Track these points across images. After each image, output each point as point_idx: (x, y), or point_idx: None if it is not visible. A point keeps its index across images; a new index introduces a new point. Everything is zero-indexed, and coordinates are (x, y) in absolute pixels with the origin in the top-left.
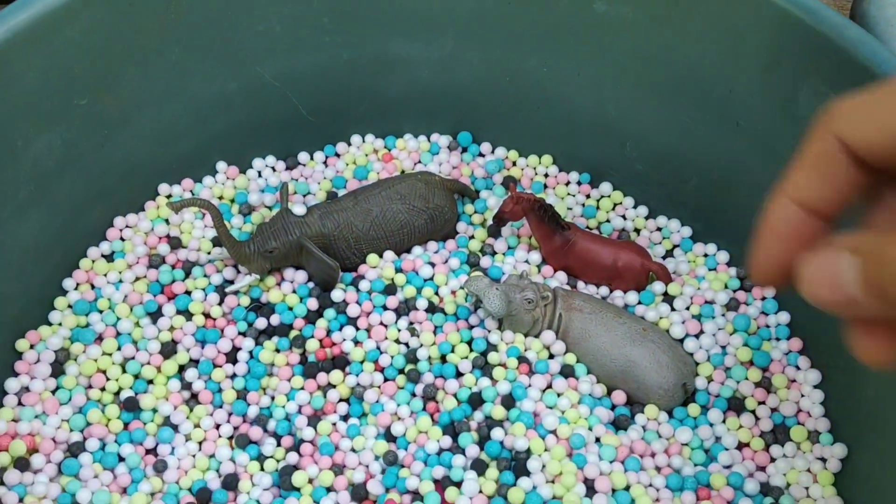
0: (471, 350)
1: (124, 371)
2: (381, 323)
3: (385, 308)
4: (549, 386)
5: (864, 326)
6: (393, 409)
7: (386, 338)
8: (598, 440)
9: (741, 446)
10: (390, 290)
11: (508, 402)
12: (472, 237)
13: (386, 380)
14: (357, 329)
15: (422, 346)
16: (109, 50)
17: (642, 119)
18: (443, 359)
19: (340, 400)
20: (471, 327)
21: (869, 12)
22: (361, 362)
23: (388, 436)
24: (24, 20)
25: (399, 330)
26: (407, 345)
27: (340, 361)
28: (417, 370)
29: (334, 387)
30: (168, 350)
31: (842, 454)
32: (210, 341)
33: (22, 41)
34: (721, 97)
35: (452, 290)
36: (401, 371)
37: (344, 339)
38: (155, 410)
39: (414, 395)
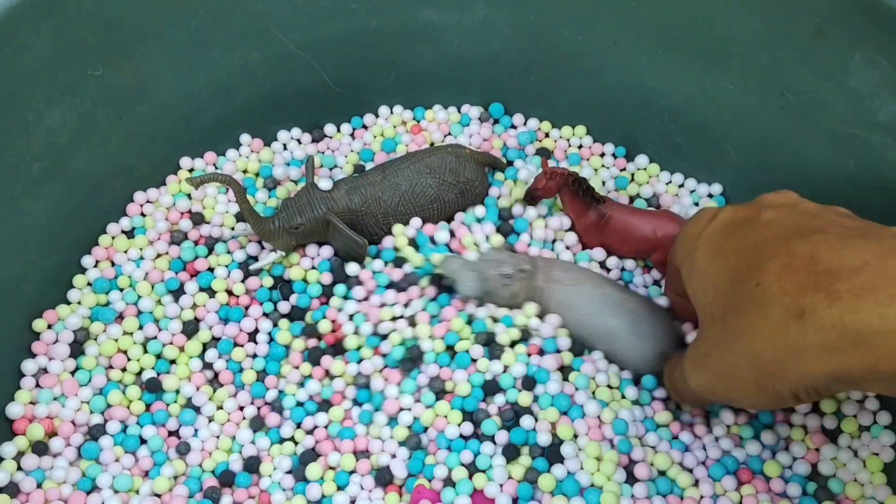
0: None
1: (146, 351)
2: (384, 304)
3: (389, 286)
4: (566, 367)
5: None
6: (401, 397)
7: (385, 320)
8: (645, 420)
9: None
10: (398, 263)
11: (529, 384)
12: (499, 197)
13: (385, 367)
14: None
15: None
16: (124, 19)
17: (681, 89)
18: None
19: (349, 384)
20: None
21: None
22: (358, 349)
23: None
24: None
25: (396, 318)
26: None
27: (343, 348)
28: (419, 348)
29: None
30: (190, 329)
31: (891, 442)
32: (233, 320)
33: (30, 8)
34: (765, 67)
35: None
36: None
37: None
38: (178, 391)
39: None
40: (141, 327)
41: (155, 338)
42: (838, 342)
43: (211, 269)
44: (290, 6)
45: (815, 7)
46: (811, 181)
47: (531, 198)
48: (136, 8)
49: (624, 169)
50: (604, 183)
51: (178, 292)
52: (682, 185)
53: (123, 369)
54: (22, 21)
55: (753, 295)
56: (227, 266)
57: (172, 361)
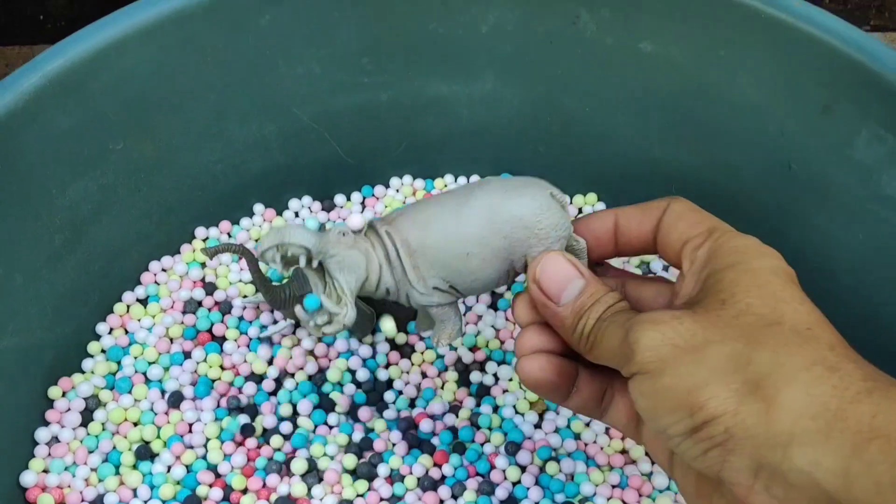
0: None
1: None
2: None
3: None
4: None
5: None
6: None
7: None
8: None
9: None
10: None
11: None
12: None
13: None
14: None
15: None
16: (145, 95)
17: (688, 158)
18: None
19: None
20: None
21: None
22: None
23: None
24: (59, 67)
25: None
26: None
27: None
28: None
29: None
30: (176, 399)
31: None
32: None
33: (57, 88)
34: (772, 139)
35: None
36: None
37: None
38: (169, 466)
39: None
40: (147, 396)
41: (151, 409)
42: None
43: (223, 338)
44: (305, 81)
45: (822, 82)
46: (820, 253)
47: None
48: (156, 85)
49: None
50: None
51: (186, 361)
52: None
53: (126, 437)
54: (49, 99)
55: None
56: (235, 340)
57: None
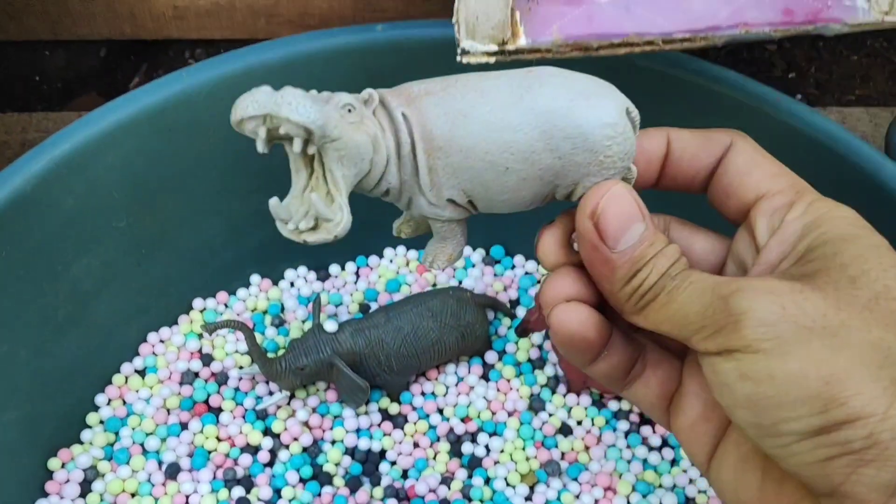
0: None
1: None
2: None
3: None
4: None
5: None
6: None
7: None
8: None
9: None
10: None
11: None
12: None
13: None
14: None
15: None
16: (149, 174)
17: None
18: None
19: None
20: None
21: None
22: None
23: None
24: (66, 150)
25: None
26: None
27: None
28: None
29: None
30: (174, 471)
31: None
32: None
33: (64, 170)
34: None
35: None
36: None
37: None
38: None
39: None
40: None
41: (148, 480)
42: None
43: (219, 409)
44: None
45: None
46: None
47: (523, 331)
48: (160, 165)
49: None
50: None
51: (182, 432)
52: None
53: None
54: (57, 180)
55: None
56: (231, 411)
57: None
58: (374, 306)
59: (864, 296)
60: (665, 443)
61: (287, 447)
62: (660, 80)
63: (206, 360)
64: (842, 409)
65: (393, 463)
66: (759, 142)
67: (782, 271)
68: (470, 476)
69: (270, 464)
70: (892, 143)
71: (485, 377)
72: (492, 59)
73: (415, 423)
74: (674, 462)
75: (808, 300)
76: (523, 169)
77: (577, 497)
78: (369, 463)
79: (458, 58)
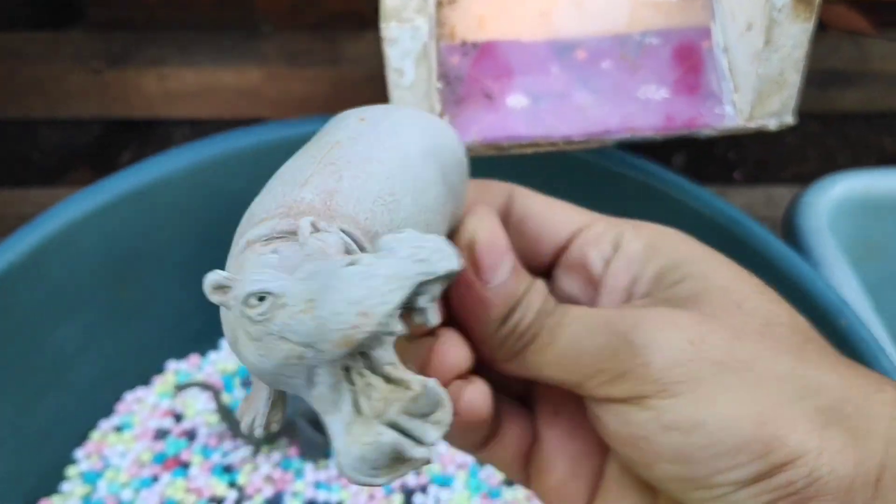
0: None
1: None
2: None
3: None
4: None
5: None
6: None
7: None
8: None
9: None
10: None
11: None
12: None
13: None
14: None
15: None
16: (130, 248)
17: None
18: None
19: None
20: None
21: (800, 224)
22: None
23: None
24: (58, 226)
25: None
26: None
27: None
28: None
29: None
30: None
31: None
32: None
33: (54, 245)
34: None
35: None
36: None
37: None
38: None
39: None
40: None
41: None
42: None
43: (188, 464)
44: None
45: None
46: None
47: None
48: (141, 239)
49: None
50: None
51: (154, 485)
52: None
53: None
54: (45, 255)
55: None
56: (199, 465)
57: None
58: None
59: (754, 323)
60: None
61: (251, 498)
62: (584, 167)
63: (178, 418)
64: (782, 451)
65: None
66: (664, 223)
67: (650, 298)
68: None
69: None
70: (790, 224)
71: None
72: None
73: None
74: None
75: (711, 331)
76: (440, 213)
77: None
78: None
79: None
